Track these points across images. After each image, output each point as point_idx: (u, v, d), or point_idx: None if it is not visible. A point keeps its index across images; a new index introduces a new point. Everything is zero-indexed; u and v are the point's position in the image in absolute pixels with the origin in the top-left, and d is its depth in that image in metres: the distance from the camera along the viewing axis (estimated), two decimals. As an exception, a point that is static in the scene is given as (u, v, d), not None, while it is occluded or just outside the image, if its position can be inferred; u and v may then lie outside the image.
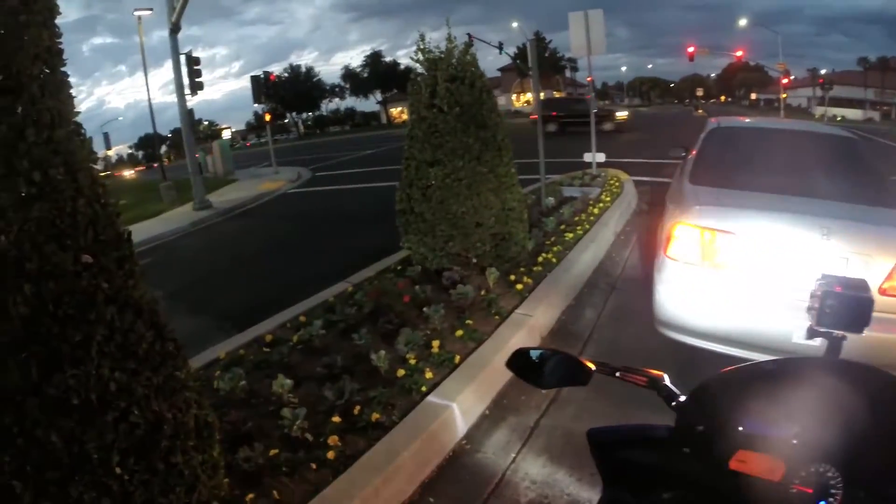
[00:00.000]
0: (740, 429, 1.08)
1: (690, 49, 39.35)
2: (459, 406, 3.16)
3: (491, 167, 4.87)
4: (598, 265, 6.16)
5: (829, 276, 1.34)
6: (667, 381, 1.22)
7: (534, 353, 1.32)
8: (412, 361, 3.48)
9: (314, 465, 2.57)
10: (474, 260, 4.97)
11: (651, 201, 9.02)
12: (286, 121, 71.86)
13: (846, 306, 1.29)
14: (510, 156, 5.13)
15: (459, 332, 3.95)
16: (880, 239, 3.54)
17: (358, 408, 2.96)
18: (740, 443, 1.08)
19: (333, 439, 2.69)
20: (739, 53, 47.64)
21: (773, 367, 1.18)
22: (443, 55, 4.94)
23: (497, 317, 4.26)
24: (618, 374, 1.27)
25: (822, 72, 70.34)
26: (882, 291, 3.37)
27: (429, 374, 3.33)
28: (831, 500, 1.07)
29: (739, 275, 3.56)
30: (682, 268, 3.70)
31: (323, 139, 50.89)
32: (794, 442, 1.07)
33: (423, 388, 3.23)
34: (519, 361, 1.31)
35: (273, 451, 2.63)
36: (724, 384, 1.16)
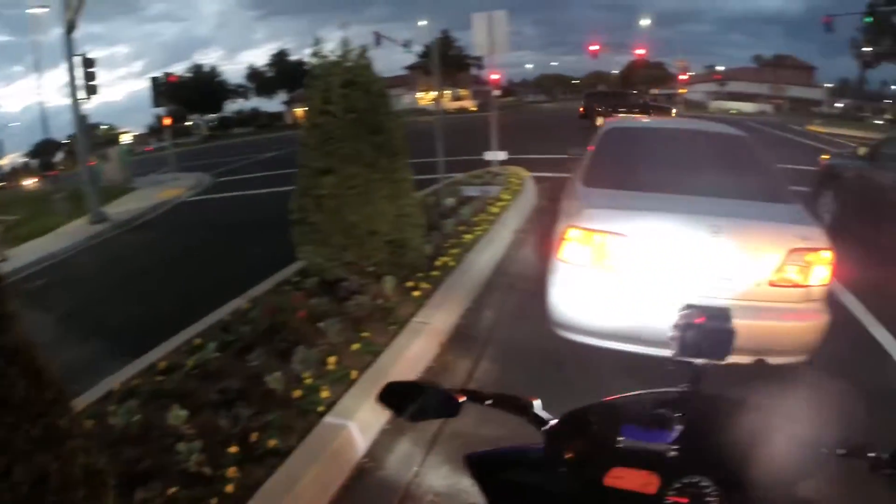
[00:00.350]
0: (615, 445, 1.14)
1: (594, 47, 41.61)
2: (358, 423, 3.16)
3: (385, 173, 4.86)
4: (497, 265, 6.36)
5: (692, 306, 1.38)
6: (537, 407, 1.25)
7: (404, 387, 1.32)
8: (308, 380, 3.44)
9: (214, 501, 2.51)
10: (370, 268, 4.97)
11: (552, 197, 9.34)
12: (189, 123, 67.93)
13: (707, 337, 1.32)
14: (405, 160, 5.15)
15: (356, 346, 3.93)
16: (768, 234, 3.79)
17: (255, 435, 2.90)
18: (614, 460, 1.14)
19: (232, 471, 2.63)
20: (641, 51, 50.63)
21: (638, 398, 1.24)
22: (339, 59, 4.88)
23: (394, 326, 4.29)
24: (488, 402, 1.29)
25: (720, 68, 76.08)
26: (771, 283, 3.66)
27: (325, 393, 3.30)
28: None
29: (631, 276, 3.72)
30: (575, 270, 3.83)
31: (227, 142, 48.93)
32: (667, 455, 1.14)
33: (320, 409, 3.20)
34: (391, 395, 1.30)
35: (171, 490, 2.53)
36: (592, 413, 1.22)
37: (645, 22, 57.07)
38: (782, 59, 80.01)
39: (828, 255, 3.70)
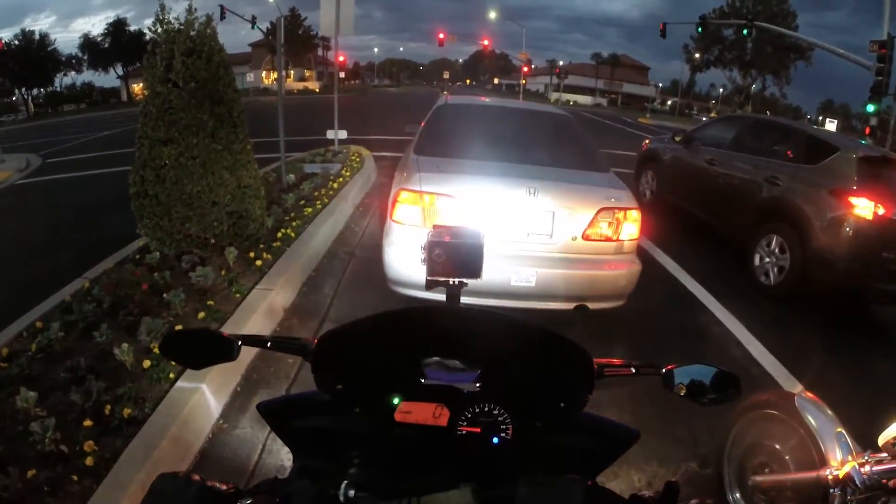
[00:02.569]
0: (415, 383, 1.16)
1: (441, 35, 43.10)
2: (209, 387, 3.36)
3: (226, 144, 4.95)
4: (338, 236, 6.71)
5: (440, 226, 1.38)
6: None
7: (183, 336, 1.29)
8: (157, 350, 3.53)
9: (76, 477, 2.58)
10: (213, 240, 5.06)
11: (391, 175, 9.73)
12: (13, 98, 57.86)
13: (456, 254, 1.32)
14: (245, 132, 5.24)
15: (202, 315, 4.12)
16: (581, 194, 4.35)
17: (108, 407, 3.01)
18: (401, 395, 1.18)
19: (89, 444, 2.71)
20: (486, 42, 53.15)
21: (398, 316, 1.21)
22: (182, 27, 4.83)
23: (238, 295, 4.51)
24: (269, 344, 1.28)
25: (560, 63, 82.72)
26: (585, 237, 4.25)
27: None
28: (503, 434, 1.19)
29: None
30: (407, 230, 4.19)
31: (56, 119, 42.21)
32: (452, 386, 1.16)
33: (171, 375, 3.36)
34: (171, 345, 1.24)
35: (31, 473, 2.55)
36: (351, 338, 1.20)
37: (492, 15, 60.19)
38: (618, 58, 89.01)
39: (635, 214, 4.34)
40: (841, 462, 2.14)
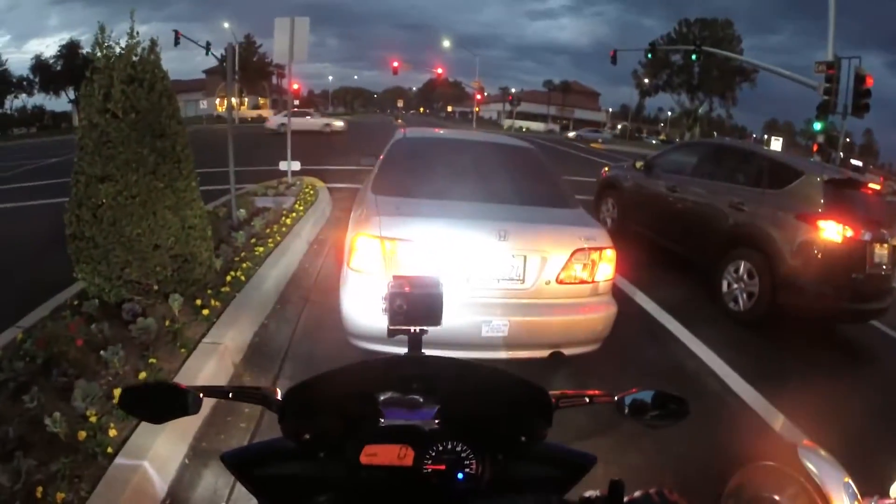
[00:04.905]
0: (372, 425, 1.22)
1: (395, 63, 44.21)
2: (153, 462, 3.07)
3: (168, 181, 4.68)
4: (291, 278, 6.47)
5: (399, 277, 1.43)
6: (279, 395, 1.26)
7: (142, 390, 1.31)
8: (93, 418, 3.25)
9: None
10: (156, 287, 4.77)
11: (346, 207, 9.58)
12: None
13: (416, 304, 1.37)
14: (191, 167, 4.98)
15: (143, 374, 3.81)
16: (554, 236, 4.21)
17: (40, 489, 2.71)
18: (365, 438, 1.22)
19: None
20: (440, 70, 55.06)
21: (360, 367, 1.27)
22: (123, 53, 4.57)
23: (184, 350, 4.22)
24: (230, 395, 1.30)
25: (513, 90, 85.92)
26: (559, 281, 4.10)
27: (113, 432, 3.15)
28: (468, 469, 1.25)
29: None
30: (365, 278, 3.95)
31: (4, 144, 41.16)
32: (414, 426, 1.24)
33: (110, 450, 3.06)
34: (130, 399, 1.25)
35: None
36: (316, 390, 1.23)
37: (446, 43, 62.22)
38: (570, 84, 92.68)
39: (610, 254, 4.25)
40: None
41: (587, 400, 1.34)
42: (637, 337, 5.79)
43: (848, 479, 2.24)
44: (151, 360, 3.99)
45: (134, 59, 4.62)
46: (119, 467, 2.99)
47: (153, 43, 4.81)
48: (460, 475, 1.24)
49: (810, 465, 2.33)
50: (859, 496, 2.16)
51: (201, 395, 1.24)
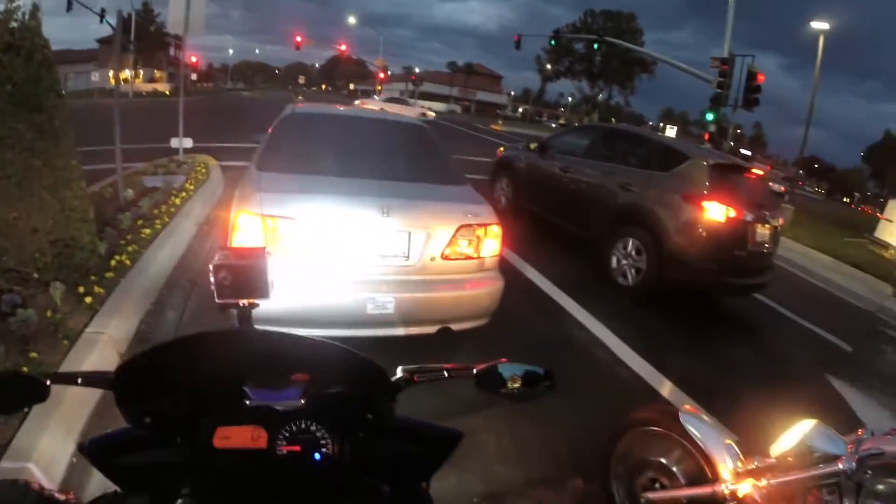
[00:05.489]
0: (239, 406, 1.20)
1: (298, 38, 43.06)
2: (39, 463, 2.91)
3: (46, 159, 4.36)
4: (179, 260, 6.19)
5: (226, 248, 1.41)
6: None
7: None
8: None
9: None
10: (35, 275, 4.44)
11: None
12: None
13: (240, 276, 1.34)
14: (71, 144, 4.66)
15: (25, 369, 3.53)
16: (438, 212, 4.25)
17: None
18: (217, 420, 1.21)
19: None
20: (343, 47, 54.27)
21: (185, 342, 1.24)
22: (1, 18, 4.19)
23: (66, 342, 3.99)
24: (79, 381, 1.26)
25: (417, 70, 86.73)
26: (444, 257, 4.15)
27: None
28: (325, 450, 1.24)
29: (307, 258, 3.85)
30: None
31: None
32: (270, 406, 1.21)
33: None
34: None
35: None
36: (151, 367, 1.21)
37: (351, 20, 61.33)
38: (473, 67, 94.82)
39: (496, 230, 4.32)
40: (734, 474, 2.24)
41: (446, 374, 1.34)
42: (528, 311, 6.04)
43: (730, 441, 2.43)
44: (33, 355, 3.74)
45: (13, 24, 4.26)
46: (4, 471, 2.81)
47: (35, 8, 4.44)
48: (317, 456, 1.23)
49: (692, 429, 2.51)
50: (742, 457, 2.34)
51: (48, 381, 1.20)
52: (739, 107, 19.79)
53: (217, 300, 1.36)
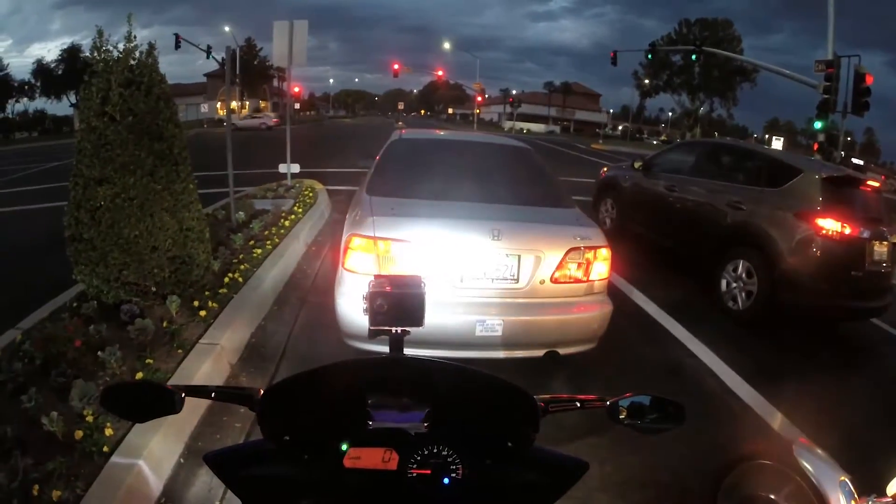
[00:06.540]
0: (362, 427, 1.19)
1: (396, 66, 45.28)
2: (148, 461, 3.09)
3: (166, 184, 4.70)
4: (289, 279, 6.50)
5: (381, 276, 1.41)
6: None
7: (124, 389, 1.31)
8: (90, 418, 3.28)
9: None
10: (153, 288, 4.79)
11: (345, 209, 9.59)
12: None
13: (398, 304, 1.35)
14: (188, 170, 5.01)
15: (140, 375, 3.84)
16: (548, 235, 4.21)
17: (37, 487, 2.73)
18: (349, 441, 1.21)
19: None
20: (440, 73, 55.70)
21: (342, 367, 1.28)
22: (121, 56, 4.60)
23: (180, 350, 4.25)
24: (213, 395, 1.31)
25: (513, 92, 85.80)
26: (554, 280, 4.10)
27: (109, 431, 3.18)
28: (454, 475, 1.23)
29: None
30: (360, 279, 3.90)
31: (5, 148, 41.17)
32: (401, 429, 1.21)
33: (106, 448, 3.08)
34: (113, 398, 1.25)
35: None
36: (296, 390, 1.25)
37: (446, 45, 63.30)
38: (570, 86, 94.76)
39: (605, 252, 4.25)
40: None
41: (578, 405, 1.33)
42: (635, 336, 5.82)
43: (844, 478, 2.24)
44: (148, 361, 4.03)
45: (132, 62, 4.66)
46: (115, 466, 3.01)
47: (151, 46, 4.83)
48: (446, 480, 1.23)
49: (806, 464, 2.33)
50: (856, 495, 2.16)
51: (183, 394, 1.24)
52: (849, 112, 18.22)
53: (370, 326, 1.37)
